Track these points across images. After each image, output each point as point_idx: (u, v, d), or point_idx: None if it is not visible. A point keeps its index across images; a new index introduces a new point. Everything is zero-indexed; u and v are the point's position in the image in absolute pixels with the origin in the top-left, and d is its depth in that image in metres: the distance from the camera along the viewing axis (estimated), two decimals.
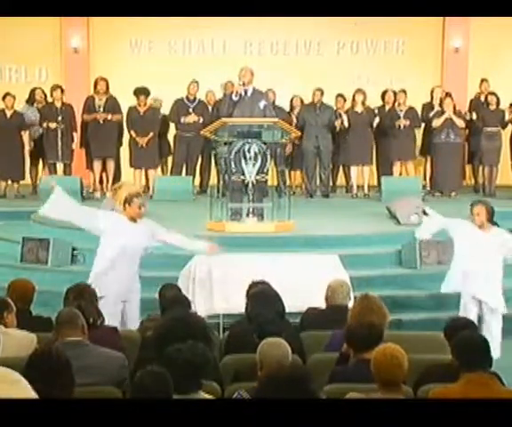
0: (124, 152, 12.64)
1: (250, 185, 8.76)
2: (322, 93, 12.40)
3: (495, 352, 7.14)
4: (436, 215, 7.73)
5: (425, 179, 12.89)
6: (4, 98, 12.22)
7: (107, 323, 6.65)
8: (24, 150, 12.34)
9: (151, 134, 12.24)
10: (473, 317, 7.18)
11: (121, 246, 6.84)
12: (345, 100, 12.75)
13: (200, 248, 7.26)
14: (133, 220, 6.91)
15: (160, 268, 7.90)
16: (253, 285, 6.08)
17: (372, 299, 5.34)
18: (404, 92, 12.68)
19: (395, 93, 12.75)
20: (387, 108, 12.72)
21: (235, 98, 9.41)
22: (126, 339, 5.52)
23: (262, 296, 5.71)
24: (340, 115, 12.46)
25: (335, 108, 12.68)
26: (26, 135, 12.32)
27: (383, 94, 12.85)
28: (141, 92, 12.23)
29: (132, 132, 12.28)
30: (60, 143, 12.23)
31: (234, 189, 9.05)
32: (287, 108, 12.64)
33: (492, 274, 7.28)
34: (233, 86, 10.29)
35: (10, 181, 12.50)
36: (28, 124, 12.37)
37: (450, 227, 7.53)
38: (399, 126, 12.46)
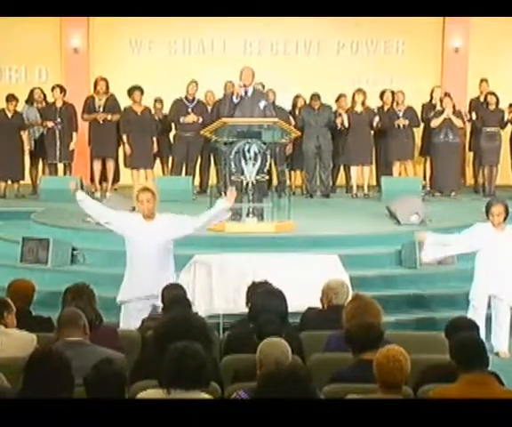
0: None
1: (250, 185, 8.76)
2: (319, 98, 12.40)
3: (504, 347, 7.23)
4: (446, 237, 7.64)
5: (425, 179, 12.89)
6: (7, 100, 12.21)
7: (133, 329, 6.56)
8: (24, 150, 12.31)
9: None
10: (483, 316, 7.22)
11: (134, 247, 6.76)
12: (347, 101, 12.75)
13: (223, 207, 6.97)
14: (149, 217, 6.76)
15: None
16: (255, 285, 6.08)
17: (365, 298, 5.35)
18: (402, 92, 12.68)
19: (393, 93, 12.76)
20: (385, 108, 12.73)
21: (235, 100, 9.38)
22: (126, 339, 5.52)
23: (266, 295, 5.71)
24: (340, 114, 12.47)
25: (337, 107, 12.68)
26: (25, 135, 12.31)
27: (381, 94, 12.86)
28: (136, 88, 12.20)
29: (124, 136, 12.23)
30: (59, 143, 12.24)
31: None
32: (287, 108, 12.64)
33: (508, 271, 7.35)
34: (233, 86, 10.27)
35: (10, 182, 12.49)
36: (28, 125, 12.39)
37: (470, 240, 7.39)
38: (398, 126, 12.47)
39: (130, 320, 6.64)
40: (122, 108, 12.38)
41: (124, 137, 12.25)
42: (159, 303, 6.21)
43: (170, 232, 6.79)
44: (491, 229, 7.35)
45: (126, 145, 12.28)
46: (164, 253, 6.77)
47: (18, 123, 12.21)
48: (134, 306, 6.72)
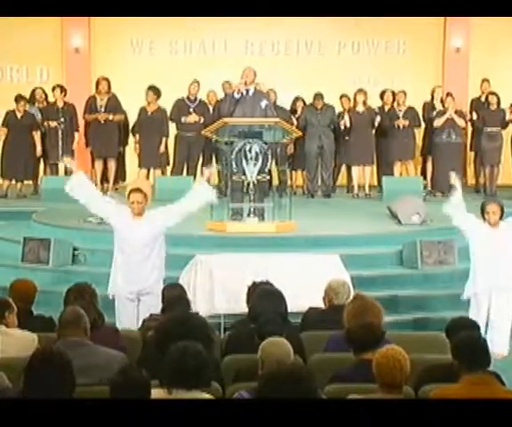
0: (131, 152, 12.69)
1: (251, 185, 8.76)
2: (322, 97, 12.40)
3: (504, 349, 7.19)
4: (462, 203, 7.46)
5: (425, 178, 12.88)
6: (16, 100, 12.20)
7: (121, 322, 6.70)
8: (35, 150, 12.28)
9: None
10: (483, 314, 7.20)
11: (121, 242, 6.95)
12: (349, 101, 12.74)
13: (200, 190, 7.14)
14: (138, 215, 6.89)
15: None
16: (256, 284, 6.08)
17: (365, 298, 5.35)
18: (404, 92, 12.69)
19: (393, 93, 12.76)
20: (386, 108, 12.72)
21: (236, 95, 9.37)
22: (127, 339, 5.52)
23: (265, 296, 5.71)
24: (343, 115, 12.46)
25: (341, 108, 12.68)
26: (37, 135, 12.29)
27: (382, 94, 12.86)
28: (149, 88, 12.21)
29: (137, 136, 12.30)
30: (61, 143, 12.25)
31: (235, 188, 9.04)
32: (288, 108, 12.63)
33: (507, 269, 7.29)
34: (230, 86, 10.28)
35: (14, 181, 12.49)
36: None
37: (468, 225, 7.33)
38: (398, 126, 12.47)
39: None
40: (123, 107, 12.42)
41: (136, 137, 12.36)
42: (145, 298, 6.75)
43: (155, 228, 6.91)
44: (485, 227, 7.28)
45: (137, 145, 12.35)
46: (150, 251, 6.91)
47: (28, 123, 12.21)
48: (119, 298, 7.02)
